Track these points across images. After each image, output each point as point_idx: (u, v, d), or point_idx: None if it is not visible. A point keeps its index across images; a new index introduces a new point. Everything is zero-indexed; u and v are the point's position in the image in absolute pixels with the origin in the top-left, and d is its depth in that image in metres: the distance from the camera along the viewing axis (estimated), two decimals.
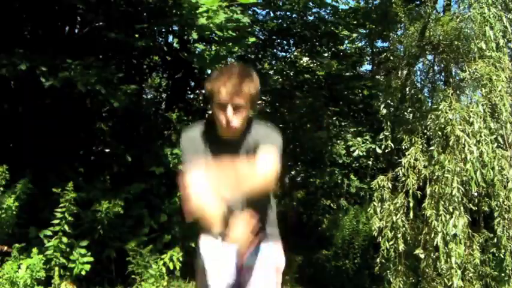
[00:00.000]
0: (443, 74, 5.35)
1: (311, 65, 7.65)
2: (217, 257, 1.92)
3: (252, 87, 1.99)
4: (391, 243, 4.25)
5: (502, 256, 4.10)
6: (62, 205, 4.19)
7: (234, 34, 4.21)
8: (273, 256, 2.11)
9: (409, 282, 4.49)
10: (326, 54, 7.57)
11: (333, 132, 6.83)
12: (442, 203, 3.90)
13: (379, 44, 8.18)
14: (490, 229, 4.41)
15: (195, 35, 4.29)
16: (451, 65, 4.95)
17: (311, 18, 7.08)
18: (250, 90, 1.97)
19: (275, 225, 2.21)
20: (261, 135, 2.04)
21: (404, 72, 5.74)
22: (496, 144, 4.03)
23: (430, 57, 5.40)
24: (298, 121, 7.23)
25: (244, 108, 1.97)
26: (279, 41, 7.35)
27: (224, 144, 2.01)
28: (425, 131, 4.60)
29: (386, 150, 4.82)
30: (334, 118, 6.78)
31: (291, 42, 7.35)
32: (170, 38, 6.73)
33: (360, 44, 8.22)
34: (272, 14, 6.92)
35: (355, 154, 6.00)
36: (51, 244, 4.14)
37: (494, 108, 4.16)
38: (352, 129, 6.49)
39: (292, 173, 9.02)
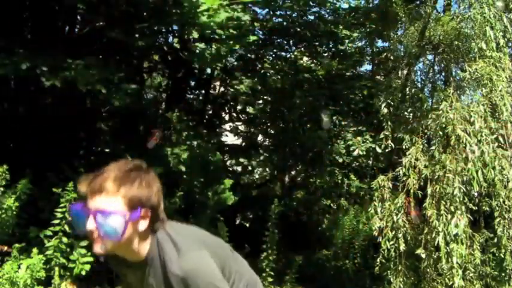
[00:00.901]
0: (443, 74, 5.36)
1: (311, 65, 7.65)
2: None
3: (133, 189, 1.32)
4: (391, 243, 4.25)
5: (502, 256, 4.10)
6: (62, 205, 4.18)
7: (234, 32, 4.21)
8: None
9: (409, 282, 4.48)
10: (326, 54, 7.57)
11: (333, 131, 6.83)
12: (443, 202, 3.90)
13: (379, 44, 8.19)
14: (490, 229, 4.42)
15: (195, 34, 4.29)
16: (451, 65, 4.95)
17: (311, 17, 7.08)
18: (126, 192, 1.31)
19: None
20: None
21: (405, 72, 5.74)
22: (496, 144, 4.03)
23: (430, 57, 5.41)
24: (298, 120, 7.23)
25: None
26: (279, 40, 7.35)
27: (130, 270, 1.46)
28: (425, 130, 4.60)
29: (387, 150, 4.82)
30: (334, 117, 6.78)
31: (291, 41, 7.35)
32: (170, 38, 6.74)
33: (360, 44, 8.22)
34: (272, 13, 6.92)
35: (355, 153, 6.00)
36: (51, 244, 4.13)
37: (495, 107, 4.16)
38: (352, 129, 6.49)
39: (292, 173, 9.02)
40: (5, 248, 4.09)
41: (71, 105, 5.28)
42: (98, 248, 1.33)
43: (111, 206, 1.29)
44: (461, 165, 3.90)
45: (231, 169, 7.40)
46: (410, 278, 4.49)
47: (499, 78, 4.15)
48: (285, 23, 7.06)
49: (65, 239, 4.17)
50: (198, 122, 6.45)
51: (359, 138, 6.06)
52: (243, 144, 7.86)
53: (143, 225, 1.35)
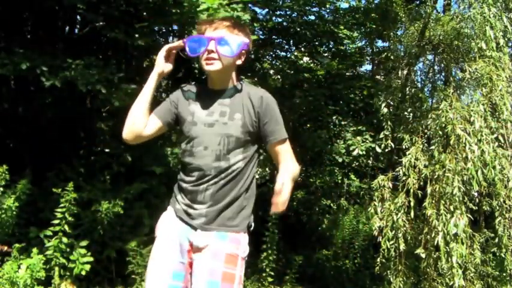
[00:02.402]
0: (443, 74, 5.36)
1: (311, 65, 7.65)
2: (166, 234, 1.87)
3: (242, 33, 1.88)
4: (391, 242, 4.25)
5: (503, 256, 4.10)
6: (62, 205, 4.19)
7: None
8: (223, 245, 1.81)
9: (409, 282, 4.49)
10: (326, 54, 7.57)
11: (333, 131, 6.83)
12: (443, 202, 3.90)
13: (379, 44, 8.19)
14: (490, 229, 4.42)
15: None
16: (451, 65, 4.95)
17: (311, 17, 7.08)
18: (238, 34, 1.86)
19: (243, 213, 1.88)
20: (267, 113, 1.88)
21: (405, 72, 5.74)
22: (496, 144, 4.03)
23: (430, 57, 5.41)
24: (298, 120, 7.23)
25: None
26: (279, 40, 7.35)
27: (213, 96, 1.89)
28: (425, 130, 4.61)
29: (387, 150, 4.83)
30: (334, 117, 6.78)
31: (291, 41, 7.35)
32: (170, 38, 6.73)
33: (360, 44, 8.23)
34: (272, 13, 6.92)
35: (354, 153, 6.00)
36: (51, 244, 4.13)
37: (495, 107, 4.16)
38: (352, 129, 6.49)
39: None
40: (5, 248, 4.10)
41: (71, 105, 5.27)
42: (211, 66, 1.84)
43: (230, 36, 1.84)
44: (461, 164, 3.90)
45: None
46: (410, 277, 4.49)
47: (499, 78, 4.15)
48: (285, 23, 7.06)
49: (65, 239, 4.17)
50: None
51: (359, 138, 6.06)
52: None
53: (240, 61, 1.91)
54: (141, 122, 1.91)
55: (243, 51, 1.88)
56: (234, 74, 1.92)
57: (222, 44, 1.82)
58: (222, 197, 1.83)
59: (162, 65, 1.95)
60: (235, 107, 1.87)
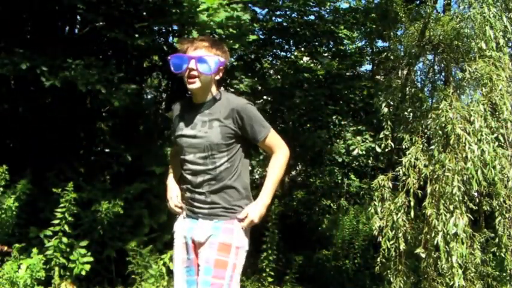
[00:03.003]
0: (443, 74, 5.36)
1: (311, 65, 7.65)
2: (177, 234, 2.25)
3: (220, 51, 2.14)
4: (391, 242, 4.24)
5: (503, 255, 4.10)
6: (62, 205, 4.19)
7: (234, 32, 4.21)
8: (217, 235, 2.12)
9: (409, 282, 4.48)
10: (326, 54, 7.57)
11: (332, 131, 6.83)
12: (443, 201, 3.90)
13: (379, 44, 8.20)
14: (490, 229, 4.42)
15: (195, 34, 4.28)
16: (451, 65, 4.94)
17: (311, 17, 7.08)
18: (216, 52, 2.12)
19: (239, 202, 2.17)
20: (246, 121, 2.12)
21: (405, 72, 5.73)
22: (496, 143, 4.02)
23: (430, 57, 5.40)
24: (298, 120, 7.23)
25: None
26: (279, 40, 7.35)
27: (195, 109, 2.19)
28: (425, 130, 4.60)
29: (387, 150, 4.82)
30: (334, 117, 6.78)
31: (291, 41, 7.35)
32: (170, 38, 6.73)
33: (360, 44, 8.23)
34: (272, 13, 6.92)
35: (354, 153, 6.00)
36: (51, 244, 4.13)
37: (495, 107, 4.15)
38: (352, 128, 6.49)
39: (293, 173, 9.02)
40: (5, 248, 4.10)
41: (71, 105, 5.28)
42: (193, 85, 2.13)
43: (209, 55, 2.10)
44: (461, 164, 3.89)
45: None
46: (410, 277, 4.49)
47: (499, 78, 4.15)
48: (284, 23, 7.06)
49: (65, 239, 4.17)
50: None
51: (359, 137, 6.06)
52: None
53: (218, 76, 2.19)
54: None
55: (221, 68, 2.17)
56: (213, 88, 2.20)
57: (201, 62, 2.09)
58: (216, 195, 2.13)
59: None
60: (213, 116, 2.14)
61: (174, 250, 2.23)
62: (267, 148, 2.23)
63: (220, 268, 2.04)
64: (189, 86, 2.14)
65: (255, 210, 2.10)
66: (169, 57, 2.16)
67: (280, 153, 2.22)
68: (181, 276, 2.16)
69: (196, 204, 2.16)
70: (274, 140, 2.23)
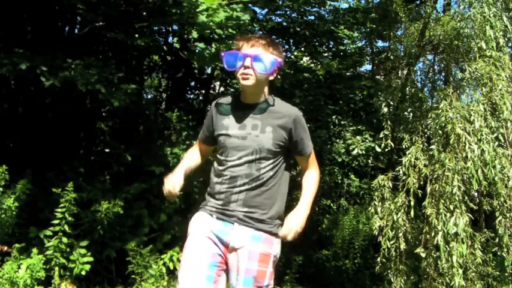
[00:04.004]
0: (443, 74, 5.36)
1: (311, 65, 7.65)
2: (201, 229, 2.08)
3: (276, 51, 2.04)
4: (391, 242, 4.25)
5: (504, 255, 4.09)
6: (62, 205, 4.18)
7: (234, 32, 4.21)
8: (257, 245, 2.04)
9: (409, 281, 4.48)
10: (326, 54, 7.57)
11: (332, 131, 6.83)
12: (443, 201, 3.90)
13: (379, 44, 8.19)
14: (491, 229, 4.42)
15: (195, 34, 4.28)
16: (451, 65, 4.95)
17: (311, 17, 7.09)
18: (273, 52, 2.02)
19: (275, 216, 2.10)
20: (298, 132, 2.08)
21: (405, 71, 5.74)
22: (496, 143, 4.02)
23: (430, 56, 5.40)
24: None
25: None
26: (279, 40, 7.35)
27: (245, 110, 2.08)
28: (425, 130, 4.60)
29: (386, 150, 4.82)
30: (334, 117, 6.78)
31: (291, 41, 7.35)
32: (170, 38, 6.74)
33: (360, 44, 8.23)
34: (272, 13, 6.92)
35: (354, 153, 6.00)
36: (51, 244, 4.13)
37: (495, 107, 4.16)
38: (351, 128, 6.49)
39: (293, 173, 9.00)
40: (5, 248, 4.09)
41: (71, 105, 5.28)
42: (247, 82, 2.01)
43: (265, 54, 2.01)
44: (461, 164, 3.89)
45: None
46: (411, 277, 4.49)
47: (499, 78, 4.15)
48: (284, 23, 7.06)
49: (65, 239, 4.17)
50: (198, 122, 6.45)
51: (358, 137, 6.06)
52: None
53: (272, 77, 2.07)
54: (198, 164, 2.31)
55: (276, 68, 2.05)
56: (266, 89, 2.09)
57: (257, 61, 1.99)
58: (254, 201, 2.05)
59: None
60: (267, 121, 2.05)
61: (195, 241, 2.05)
62: (306, 164, 2.20)
63: (260, 279, 2.01)
64: (243, 82, 2.02)
65: (297, 221, 2.07)
66: (222, 54, 2.07)
67: (316, 171, 2.23)
68: (200, 268, 1.99)
69: (231, 207, 2.04)
70: (313, 157, 2.22)
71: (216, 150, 2.19)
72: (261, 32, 6.92)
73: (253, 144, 2.02)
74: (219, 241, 2.04)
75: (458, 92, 4.56)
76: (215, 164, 2.14)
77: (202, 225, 2.08)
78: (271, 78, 2.07)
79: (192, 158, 2.29)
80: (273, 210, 2.07)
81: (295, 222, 2.04)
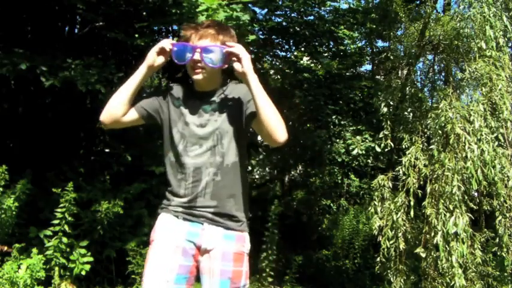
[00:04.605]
0: (443, 74, 5.36)
1: (311, 65, 7.66)
2: (166, 238, 1.90)
3: (227, 37, 1.91)
4: (391, 242, 4.25)
5: (504, 255, 4.09)
6: (62, 205, 4.19)
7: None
8: (231, 245, 1.89)
9: (409, 281, 4.48)
10: (326, 54, 7.57)
11: (332, 130, 6.84)
12: (442, 201, 3.90)
13: (379, 44, 8.20)
14: (491, 228, 4.42)
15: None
16: (451, 65, 4.94)
17: (311, 17, 7.09)
18: (223, 39, 1.89)
19: (243, 208, 1.94)
20: (246, 97, 1.92)
21: (405, 71, 5.74)
22: (496, 143, 4.02)
23: (430, 56, 5.40)
24: (298, 120, 7.23)
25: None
26: (279, 40, 7.36)
27: (199, 97, 1.95)
28: (425, 130, 4.60)
29: (386, 149, 4.82)
30: (334, 117, 6.79)
31: (291, 41, 7.36)
32: (170, 38, 6.73)
33: (360, 44, 8.24)
34: (272, 13, 6.92)
35: (354, 153, 6.01)
36: (51, 244, 4.13)
37: (495, 106, 4.15)
38: (351, 128, 6.50)
39: (293, 173, 9.02)
40: (5, 248, 4.09)
41: (71, 105, 5.28)
42: (198, 76, 1.90)
43: (215, 46, 1.87)
44: (461, 164, 3.89)
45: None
46: (411, 277, 4.49)
47: (499, 78, 4.15)
48: (284, 23, 7.07)
49: (65, 239, 4.17)
50: None
51: (358, 137, 6.06)
52: None
53: (226, 65, 1.92)
54: (121, 110, 1.96)
55: (228, 56, 1.91)
56: (219, 76, 1.99)
57: (207, 53, 1.86)
58: (223, 192, 1.90)
59: (152, 58, 1.95)
60: (223, 104, 1.94)
61: (159, 252, 1.87)
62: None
63: (236, 279, 1.88)
64: (194, 77, 1.92)
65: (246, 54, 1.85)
66: (170, 46, 1.90)
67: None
68: (165, 285, 1.82)
69: (199, 203, 1.89)
70: None
71: (172, 142, 1.97)
72: (261, 32, 6.93)
73: (214, 129, 1.90)
74: (188, 245, 1.87)
75: (458, 92, 4.56)
76: (172, 158, 1.96)
77: (167, 233, 1.90)
78: (224, 67, 1.93)
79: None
80: (242, 200, 1.93)
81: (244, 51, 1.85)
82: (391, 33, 5.97)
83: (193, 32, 1.92)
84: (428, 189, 4.09)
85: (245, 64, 1.84)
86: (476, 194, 4.35)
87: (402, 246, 4.19)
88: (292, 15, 7.01)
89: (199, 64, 1.88)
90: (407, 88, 5.12)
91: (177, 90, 2.02)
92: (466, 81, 4.51)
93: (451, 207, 3.83)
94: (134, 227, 4.85)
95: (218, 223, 1.89)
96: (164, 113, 1.99)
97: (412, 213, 4.22)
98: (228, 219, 1.90)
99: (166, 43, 1.91)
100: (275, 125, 1.89)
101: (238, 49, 1.85)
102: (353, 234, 6.82)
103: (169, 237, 1.89)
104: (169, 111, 1.98)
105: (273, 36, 7.25)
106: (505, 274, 4.34)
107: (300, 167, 8.70)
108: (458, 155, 3.96)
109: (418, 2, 6.31)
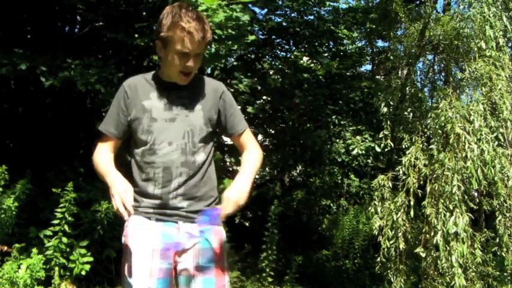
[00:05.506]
0: (443, 74, 5.36)
1: (311, 65, 7.66)
2: (142, 242, 1.80)
3: (209, 33, 1.81)
4: (391, 242, 4.25)
5: (504, 255, 4.09)
6: (62, 205, 4.18)
7: (233, 32, 4.21)
8: (212, 239, 1.84)
9: (409, 281, 4.48)
10: (326, 54, 7.58)
11: (332, 130, 6.84)
12: (442, 201, 3.90)
13: (379, 44, 8.21)
14: (491, 228, 4.42)
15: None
16: (451, 65, 4.95)
17: (311, 17, 7.10)
18: (209, 37, 1.80)
19: (214, 198, 1.90)
20: (229, 105, 1.89)
21: (404, 71, 5.74)
22: (496, 143, 4.03)
23: (430, 56, 5.40)
24: (298, 120, 7.24)
25: (201, 58, 1.83)
26: (278, 40, 7.36)
27: (168, 89, 1.84)
28: (425, 130, 4.61)
29: (386, 149, 4.82)
30: (334, 117, 6.79)
31: (291, 41, 7.37)
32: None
33: (360, 44, 8.25)
34: (271, 13, 6.93)
35: (354, 152, 6.01)
36: (51, 244, 4.13)
37: (495, 106, 4.16)
38: (351, 128, 6.50)
39: (293, 173, 9.02)
40: (5, 248, 4.09)
41: (71, 105, 5.28)
42: (188, 79, 1.83)
43: (202, 50, 1.83)
44: (461, 163, 3.89)
45: (231, 169, 7.40)
46: (411, 277, 4.49)
47: (499, 77, 4.15)
48: (284, 23, 7.07)
49: (65, 239, 4.17)
50: None
51: (358, 137, 6.07)
52: None
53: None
54: None
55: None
56: None
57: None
58: (195, 192, 1.82)
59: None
60: (195, 98, 1.84)
61: (136, 259, 1.76)
62: (242, 144, 1.93)
63: (220, 276, 1.82)
64: (183, 83, 1.82)
65: (238, 192, 1.74)
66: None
67: (256, 150, 1.93)
68: None
69: (171, 204, 1.79)
70: (251, 136, 1.97)
71: (137, 141, 1.85)
72: (261, 32, 6.93)
73: (184, 125, 1.79)
74: (165, 247, 1.78)
75: (458, 91, 4.56)
76: (138, 158, 1.84)
77: (141, 237, 1.79)
78: None
79: (108, 160, 1.91)
80: (213, 197, 1.87)
81: (235, 194, 1.73)
82: (391, 33, 5.97)
83: (184, 35, 1.76)
84: (428, 189, 4.09)
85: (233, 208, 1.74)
86: (476, 193, 4.35)
87: (402, 246, 4.19)
88: (292, 15, 7.02)
89: (191, 70, 1.80)
90: (407, 88, 5.12)
91: (139, 84, 1.88)
92: (466, 81, 4.51)
93: (451, 207, 3.83)
94: None
95: (193, 219, 1.80)
96: (128, 113, 1.86)
97: (412, 213, 4.22)
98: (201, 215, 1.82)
99: (124, 213, 1.74)
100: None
101: (231, 208, 1.72)
102: (353, 234, 6.81)
103: (144, 241, 1.78)
104: (134, 106, 1.85)
105: (273, 36, 7.26)
106: (505, 274, 4.34)
107: (300, 167, 8.70)
108: (458, 154, 3.96)
109: (418, 2, 6.32)
